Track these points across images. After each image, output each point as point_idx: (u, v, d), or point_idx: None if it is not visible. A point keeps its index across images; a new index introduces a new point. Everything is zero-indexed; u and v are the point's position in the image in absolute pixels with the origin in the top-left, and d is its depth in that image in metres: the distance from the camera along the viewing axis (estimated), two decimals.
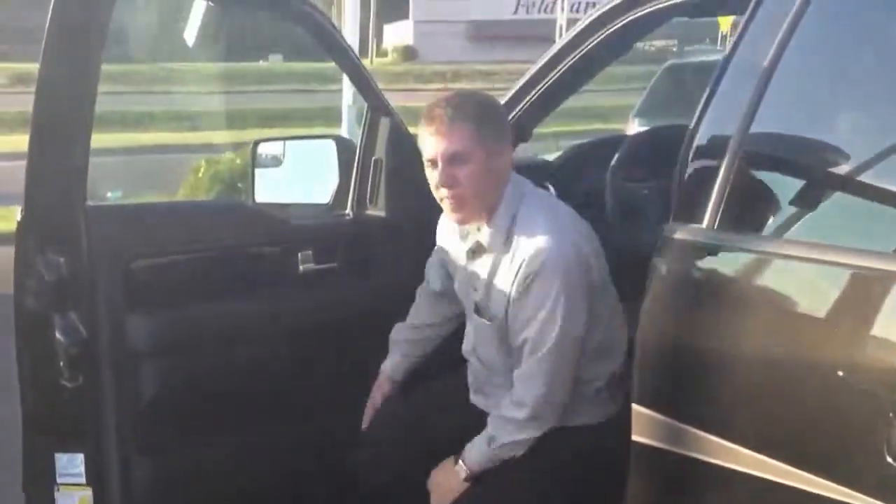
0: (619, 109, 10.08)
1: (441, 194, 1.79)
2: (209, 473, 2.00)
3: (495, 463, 1.82)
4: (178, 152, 10.24)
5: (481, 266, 1.85)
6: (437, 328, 2.12)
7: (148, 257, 1.94)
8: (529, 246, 1.74)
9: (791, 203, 1.47)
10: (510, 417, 1.80)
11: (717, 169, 1.45)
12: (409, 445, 1.97)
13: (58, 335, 1.70)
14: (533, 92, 2.18)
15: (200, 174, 7.71)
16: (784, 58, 1.40)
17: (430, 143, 1.77)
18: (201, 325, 1.95)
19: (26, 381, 1.78)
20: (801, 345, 1.29)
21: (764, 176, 1.54)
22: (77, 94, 1.69)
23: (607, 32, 1.97)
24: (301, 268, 2.12)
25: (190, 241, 2.00)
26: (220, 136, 10.45)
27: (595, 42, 2.01)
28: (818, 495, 1.22)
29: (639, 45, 2.43)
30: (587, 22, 2.03)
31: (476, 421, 1.87)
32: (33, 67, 1.68)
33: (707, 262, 1.49)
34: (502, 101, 2.14)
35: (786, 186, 1.50)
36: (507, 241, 1.79)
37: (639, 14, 1.89)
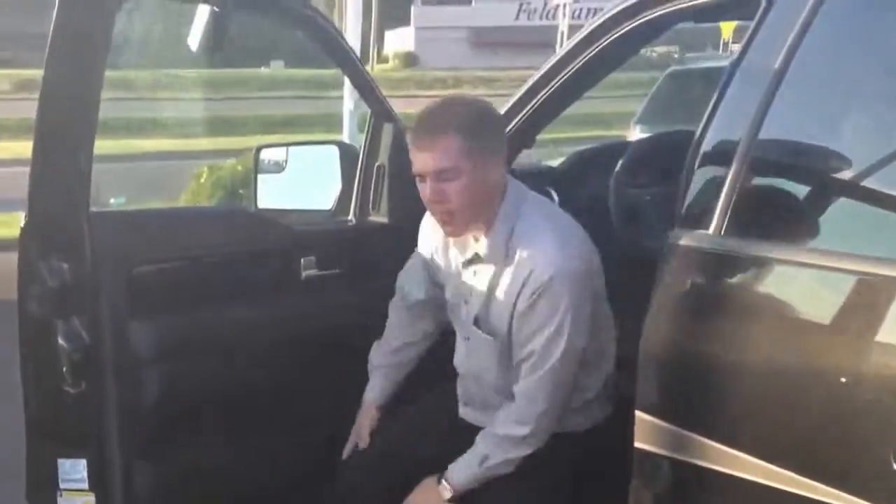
0: (621, 116, 10.10)
1: (432, 209, 1.75)
2: (211, 479, 1.99)
3: (482, 482, 1.78)
4: (181, 159, 10.27)
5: (480, 277, 1.80)
6: (417, 346, 2.05)
7: (151, 263, 1.94)
8: (534, 258, 1.69)
9: (799, 209, 1.47)
10: (508, 435, 1.75)
11: (724, 174, 1.44)
12: (389, 472, 1.91)
13: (61, 341, 1.69)
14: (536, 98, 2.18)
15: (202, 180, 7.74)
16: (793, 63, 1.40)
17: (418, 158, 1.70)
18: (204, 331, 1.95)
19: (29, 386, 1.78)
20: (808, 352, 1.29)
21: (771, 182, 1.54)
22: (81, 100, 1.69)
23: (612, 38, 1.97)
24: (304, 274, 2.11)
25: (193, 248, 1.99)
26: (222, 143, 10.47)
27: (599, 47, 2.01)
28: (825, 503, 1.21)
29: (641, 51, 2.43)
30: (592, 27, 2.03)
31: (461, 437, 1.83)
32: (37, 74, 1.69)
33: (713, 269, 1.48)
34: (505, 108, 2.14)
35: (794, 193, 1.50)
36: (508, 252, 1.73)
37: (644, 19, 1.89)
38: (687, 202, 1.55)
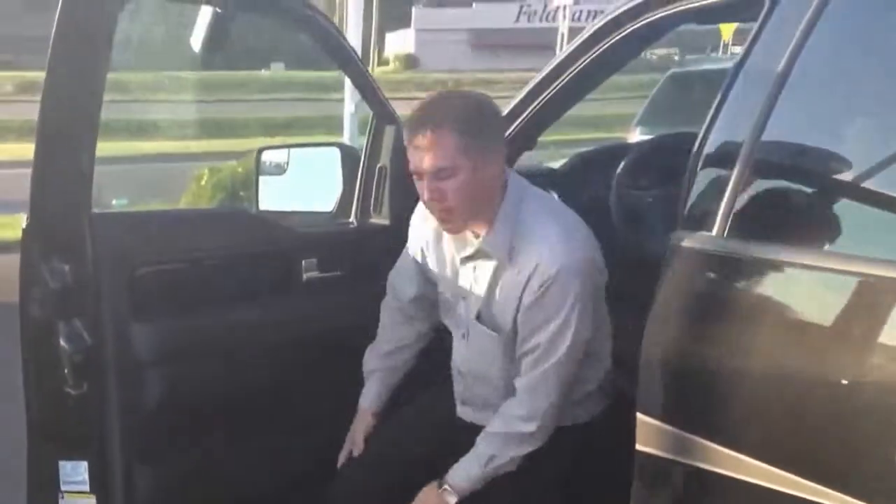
0: (622, 118, 10.09)
1: (430, 207, 1.72)
2: (212, 482, 1.99)
3: (486, 481, 1.77)
4: (181, 161, 10.28)
5: (480, 273, 1.78)
6: (411, 348, 2.03)
7: (153, 265, 1.94)
8: (540, 252, 1.68)
9: (802, 212, 1.46)
10: (515, 433, 1.74)
11: (727, 176, 1.44)
12: (388, 472, 1.91)
13: (62, 342, 1.69)
14: (538, 100, 2.18)
15: (203, 182, 7.73)
16: (796, 65, 1.40)
17: (414, 156, 1.67)
18: (205, 333, 1.95)
19: (31, 388, 1.78)
20: (811, 354, 1.29)
21: (775, 184, 1.53)
22: (83, 101, 1.69)
23: (613, 40, 1.97)
24: (305, 276, 2.11)
25: (195, 249, 1.99)
26: (223, 145, 10.47)
27: (601, 50, 2.01)
28: None
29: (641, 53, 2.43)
30: (593, 30, 2.03)
31: (459, 436, 1.82)
32: (39, 76, 1.69)
33: (716, 270, 1.48)
34: (507, 110, 2.14)
35: (797, 194, 1.49)
36: (511, 247, 1.72)
37: (645, 21, 1.89)
38: (690, 204, 1.54)
